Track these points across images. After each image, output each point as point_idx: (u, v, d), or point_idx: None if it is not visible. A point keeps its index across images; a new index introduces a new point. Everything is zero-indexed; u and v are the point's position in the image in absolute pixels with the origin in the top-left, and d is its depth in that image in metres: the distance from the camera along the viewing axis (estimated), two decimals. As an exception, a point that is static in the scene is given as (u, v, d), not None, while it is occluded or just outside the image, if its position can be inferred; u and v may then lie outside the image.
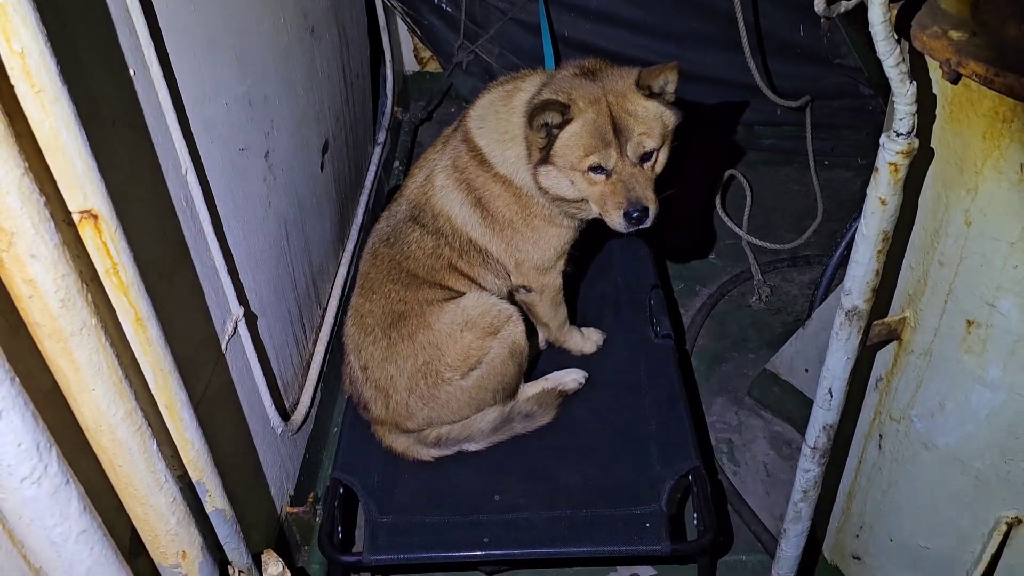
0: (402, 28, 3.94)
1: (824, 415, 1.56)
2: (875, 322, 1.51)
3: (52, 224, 0.96)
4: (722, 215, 3.35)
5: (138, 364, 1.21)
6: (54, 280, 0.97)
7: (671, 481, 2.05)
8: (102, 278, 1.11)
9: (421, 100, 4.10)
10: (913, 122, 1.22)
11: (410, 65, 4.16)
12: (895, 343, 1.58)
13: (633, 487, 2.05)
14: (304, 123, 2.42)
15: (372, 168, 3.34)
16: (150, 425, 1.17)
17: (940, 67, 1.26)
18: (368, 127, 3.37)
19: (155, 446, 1.17)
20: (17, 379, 0.89)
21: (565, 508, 2.02)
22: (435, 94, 4.03)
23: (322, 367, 2.50)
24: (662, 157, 1.90)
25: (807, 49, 3.51)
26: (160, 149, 1.53)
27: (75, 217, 1.06)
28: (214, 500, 1.41)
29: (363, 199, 3.17)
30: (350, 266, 2.86)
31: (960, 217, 1.34)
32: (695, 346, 2.86)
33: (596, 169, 1.85)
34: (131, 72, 1.43)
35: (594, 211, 1.95)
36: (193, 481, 1.36)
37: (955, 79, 1.27)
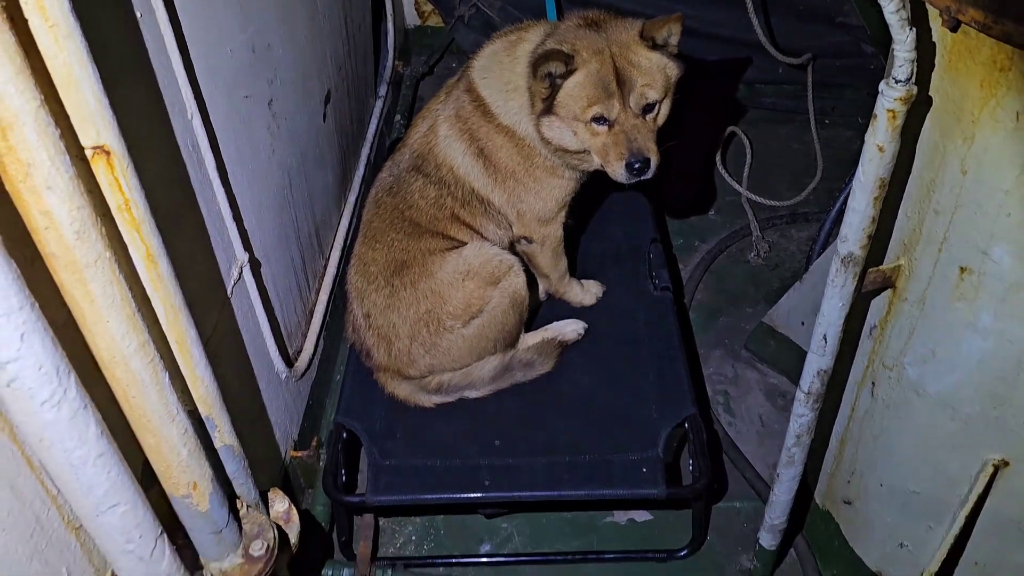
0: (404, -20, 3.92)
1: (818, 360, 1.60)
2: (870, 269, 1.54)
3: (67, 157, 0.98)
4: (722, 172, 3.36)
5: (149, 301, 1.24)
6: (69, 212, 0.99)
7: (668, 429, 2.10)
8: (114, 214, 1.14)
9: (422, 54, 4.08)
10: (912, 69, 1.23)
11: (411, 19, 4.14)
12: (889, 291, 1.61)
13: (630, 434, 2.10)
14: (307, 73, 2.43)
15: (374, 121, 3.35)
16: (162, 359, 1.20)
17: (940, 14, 1.27)
18: (370, 80, 3.37)
19: (167, 378, 1.20)
20: (36, 305, 0.92)
21: (564, 453, 2.07)
22: (436, 48, 4.01)
23: (325, 316, 2.54)
24: (664, 109, 1.91)
25: (810, 7, 3.49)
26: (166, 93, 1.55)
27: (88, 153, 1.08)
28: (223, 436, 1.45)
29: (365, 152, 3.18)
30: (352, 217, 2.88)
31: (956, 165, 1.36)
32: (693, 300, 2.90)
33: (599, 120, 1.87)
34: (138, 15, 1.44)
35: (596, 162, 1.97)
36: (203, 417, 1.40)
37: (954, 26, 1.28)
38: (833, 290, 1.50)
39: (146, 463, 1.31)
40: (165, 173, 1.55)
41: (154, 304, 1.25)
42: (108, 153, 1.10)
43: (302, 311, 2.41)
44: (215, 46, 1.80)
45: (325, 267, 2.66)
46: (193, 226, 1.67)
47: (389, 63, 3.65)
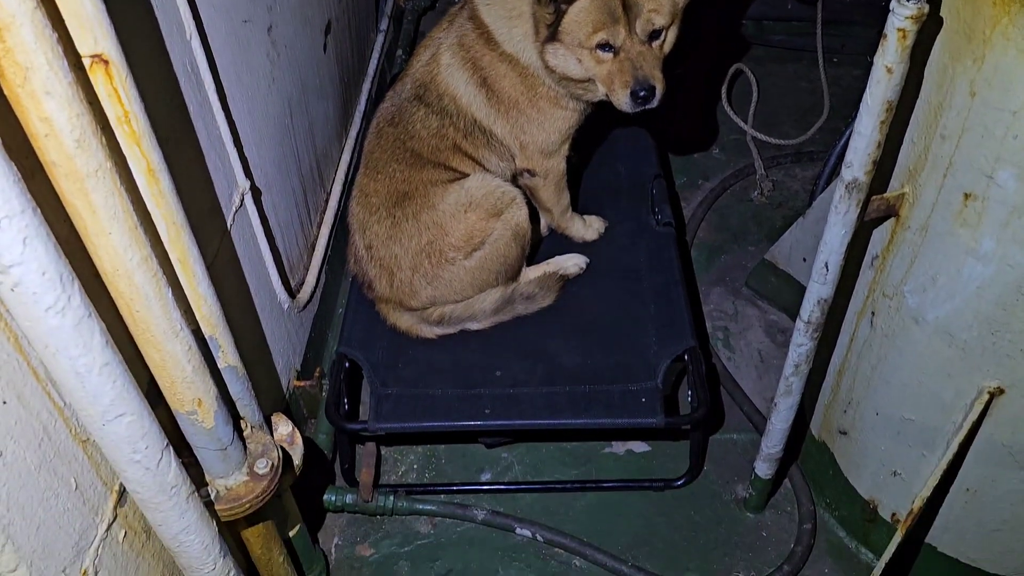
0: (405, -89, 3.82)
1: (819, 289, 1.60)
2: (874, 197, 1.53)
3: (65, 62, 0.97)
4: (727, 109, 3.32)
5: (151, 218, 1.24)
6: (69, 119, 0.98)
7: (667, 360, 2.11)
8: (114, 127, 1.13)
9: (424, -11, 4.01)
10: (924, -15, 1.21)
11: (413, -48, 4.04)
12: (892, 220, 1.61)
13: (630, 365, 2.12)
14: (307, 1, 2.38)
15: (375, 56, 3.30)
16: (165, 275, 1.20)
17: (956, -70, 1.24)
18: (371, 13, 3.31)
19: (170, 293, 1.21)
20: (39, 210, 0.92)
21: (564, 383, 2.09)
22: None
23: (327, 250, 2.54)
24: (671, 36, 1.88)
25: (822, -61, 3.41)
26: (164, 11, 1.52)
27: (86, 62, 1.07)
28: (227, 357, 1.46)
29: (366, 86, 3.14)
30: (353, 152, 2.86)
31: (965, 88, 1.35)
32: (695, 238, 2.89)
33: (604, 47, 1.84)
34: (133, -74, 1.41)
35: (601, 91, 1.94)
36: (206, 336, 1.41)
37: (970, -57, 1.25)
38: (836, 217, 1.49)
39: (152, 382, 1.32)
40: (163, 92, 1.53)
41: (156, 221, 1.25)
42: (107, 62, 1.09)
43: (304, 244, 2.41)
44: (213, -33, 1.77)
45: (327, 200, 2.65)
46: (193, 150, 1.66)
47: (390, -3, 3.59)
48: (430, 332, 2.23)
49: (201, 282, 1.35)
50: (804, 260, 2.46)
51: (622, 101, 1.87)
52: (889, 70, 1.30)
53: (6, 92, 0.95)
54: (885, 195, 1.55)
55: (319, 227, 2.57)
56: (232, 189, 1.85)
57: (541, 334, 2.24)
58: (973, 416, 1.58)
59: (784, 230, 2.86)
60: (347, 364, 2.16)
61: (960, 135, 1.38)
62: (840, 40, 3.60)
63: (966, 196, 1.41)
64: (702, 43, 3.47)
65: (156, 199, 1.23)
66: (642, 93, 1.84)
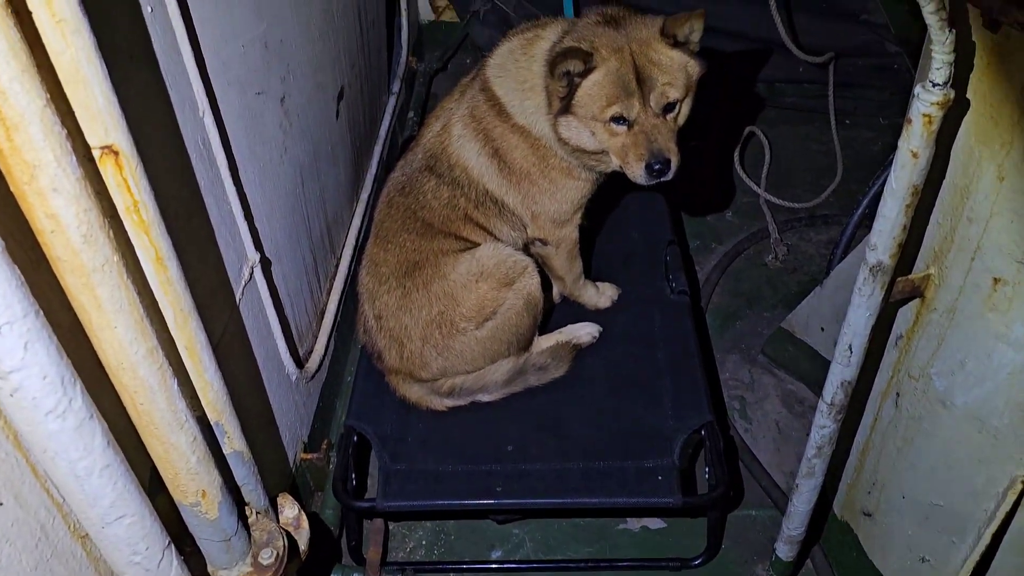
0: (418, -25, 3.88)
1: (843, 371, 1.55)
2: (899, 279, 1.49)
3: (74, 158, 0.95)
4: (740, 172, 3.31)
5: (157, 305, 1.21)
6: (76, 214, 0.96)
7: (683, 436, 2.06)
8: (122, 216, 1.10)
9: (436, 50, 4.04)
10: (950, 72, 1.19)
11: (425, 14, 4.10)
12: (917, 301, 1.57)
13: (645, 441, 2.06)
14: (320, 69, 2.39)
15: (387, 118, 3.31)
16: (171, 365, 1.17)
17: (980, 14, 1.22)
18: (383, 76, 3.33)
19: (175, 385, 1.17)
20: (41, 312, 0.89)
21: (577, 460, 2.03)
22: (450, 44, 3.97)
23: (336, 317, 2.50)
24: (685, 108, 1.87)
25: (833, 4, 3.43)
26: (177, 90, 1.51)
27: (96, 153, 1.05)
28: (232, 442, 1.42)
29: (377, 149, 3.14)
30: (364, 216, 2.85)
31: (992, 172, 1.32)
32: (709, 303, 2.85)
33: (618, 120, 1.82)
34: (148, 9, 1.41)
35: (615, 163, 1.92)
36: (212, 423, 1.37)
37: (995, 27, 1.23)
38: (860, 299, 1.45)
39: (154, 469, 1.28)
40: (175, 170, 1.51)
41: (163, 308, 1.21)
42: (116, 153, 1.06)
43: (313, 311, 2.38)
44: (227, 41, 1.77)
45: (337, 266, 2.63)
46: (203, 225, 1.64)
47: (403, 59, 3.61)
48: (440, 404, 2.18)
49: (208, 368, 1.32)
50: (822, 330, 2.41)
51: (637, 174, 1.85)
52: (914, 155, 1.27)
53: (12, 189, 0.93)
54: (910, 276, 1.51)
55: (328, 294, 2.54)
56: (242, 263, 1.82)
57: (554, 406, 2.19)
58: (1007, 506, 1.51)
59: (799, 295, 2.83)
60: (355, 438, 2.11)
61: (988, 219, 1.35)
62: (852, 102, 3.60)
63: (995, 281, 1.37)
64: (715, 106, 3.47)
65: (164, 287, 1.20)
66: (657, 166, 1.82)
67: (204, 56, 1.63)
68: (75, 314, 1.06)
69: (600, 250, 2.62)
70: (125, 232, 1.13)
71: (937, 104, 1.21)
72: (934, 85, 1.20)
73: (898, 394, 1.68)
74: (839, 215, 3.15)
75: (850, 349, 1.51)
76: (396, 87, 3.49)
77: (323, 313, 2.48)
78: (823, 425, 1.65)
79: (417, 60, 3.84)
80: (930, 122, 1.23)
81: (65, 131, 0.94)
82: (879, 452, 1.80)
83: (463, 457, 2.06)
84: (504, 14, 3.56)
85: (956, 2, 1.27)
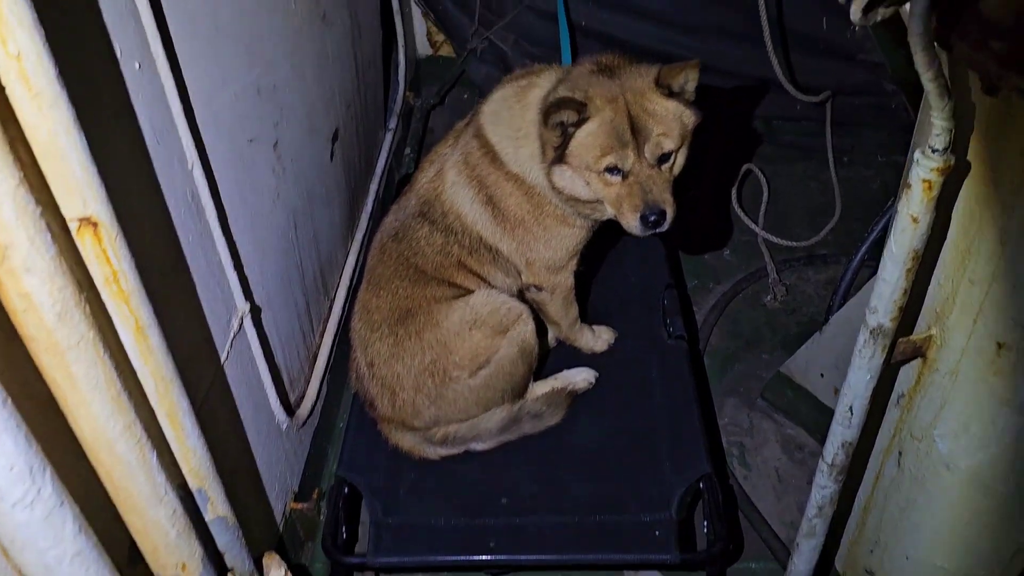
0: (415, 11, 3.87)
1: (844, 432, 1.52)
2: (900, 340, 1.46)
3: (48, 235, 0.92)
4: (737, 210, 3.29)
5: (137, 372, 1.17)
6: (50, 293, 0.93)
7: (682, 488, 2.01)
8: (100, 286, 1.07)
9: (433, 85, 4.02)
10: (950, 139, 1.16)
11: (423, 49, 4.09)
12: (919, 361, 1.53)
13: (643, 493, 2.02)
14: (314, 112, 2.37)
15: (383, 155, 3.29)
16: (150, 437, 1.13)
17: (980, 78, 1.20)
18: (379, 113, 3.32)
19: (155, 458, 1.14)
20: (10, 400, 0.85)
21: (573, 513, 1.99)
22: (448, 79, 3.95)
23: (329, 360, 2.47)
24: (680, 159, 1.85)
25: (830, 43, 3.42)
26: (165, 144, 1.49)
27: (73, 225, 1.02)
28: (216, 508, 1.38)
29: (373, 187, 3.12)
30: (359, 256, 2.82)
31: (994, 235, 1.29)
32: (707, 345, 2.82)
33: (612, 170, 1.80)
34: (136, 65, 1.39)
35: (609, 212, 1.90)
36: (193, 489, 1.33)
37: (994, 91, 1.21)
38: (861, 361, 1.42)
39: (132, 543, 1.24)
40: (161, 225, 1.48)
41: (143, 376, 1.18)
42: (95, 224, 1.04)
43: (305, 356, 2.35)
44: (219, 90, 1.75)
45: (330, 309, 2.59)
46: (191, 278, 1.60)
47: (400, 95, 3.60)
48: (433, 453, 2.14)
49: (190, 435, 1.28)
50: (822, 376, 2.37)
51: (632, 225, 1.82)
52: (915, 219, 1.24)
53: (-17, 268, 0.90)
54: (912, 337, 1.48)
55: (321, 336, 2.51)
56: (231, 314, 1.79)
57: (549, 456, 2.14)
58: (1013, 573, 1.47)
59: (798, 337, 2.80)
60: (346, 489, 2.06)
61: (990, 283, 1.32)
62: (850, 140, 3.58)
63: (999, 345, 1.34)
64: (711, 143, 3.46)
65: (144, 356, 1.16)
66: (652, 217, 1.79)
67: (194, 108, 1.61)
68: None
69: (596, 293, 2.59)
70: (104, 306, 1.11)
71: (937, 170, 1.18)
72: (933, 151, 1.18)
73: (900, 453, 1.65)
74: (838, 254, 3.12)
75: (851, 411, 1.48)
76: (393, 123, 3.47)
77: (316, 356, 2.44)
78: (824, 485, 1.61)
79: (414, 95, 3.83)
80: (930, 188, 1.20)
81: (39, 208, 0.91)
82: (881, 510, 1.76)
83: (456, 510, 2.01)
84: (501, 52, 3.55)
85: (955, 67, 1.25)
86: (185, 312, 1.58)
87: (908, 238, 1.26)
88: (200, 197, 1.64)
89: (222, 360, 1.74)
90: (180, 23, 1.55)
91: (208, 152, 1.68)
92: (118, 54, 1.33)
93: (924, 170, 1.20)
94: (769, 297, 2.98)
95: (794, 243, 3.11)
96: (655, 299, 2.55)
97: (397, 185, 3.20)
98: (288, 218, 2.18)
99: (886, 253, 1.31)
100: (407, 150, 3.56)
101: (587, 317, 2.44)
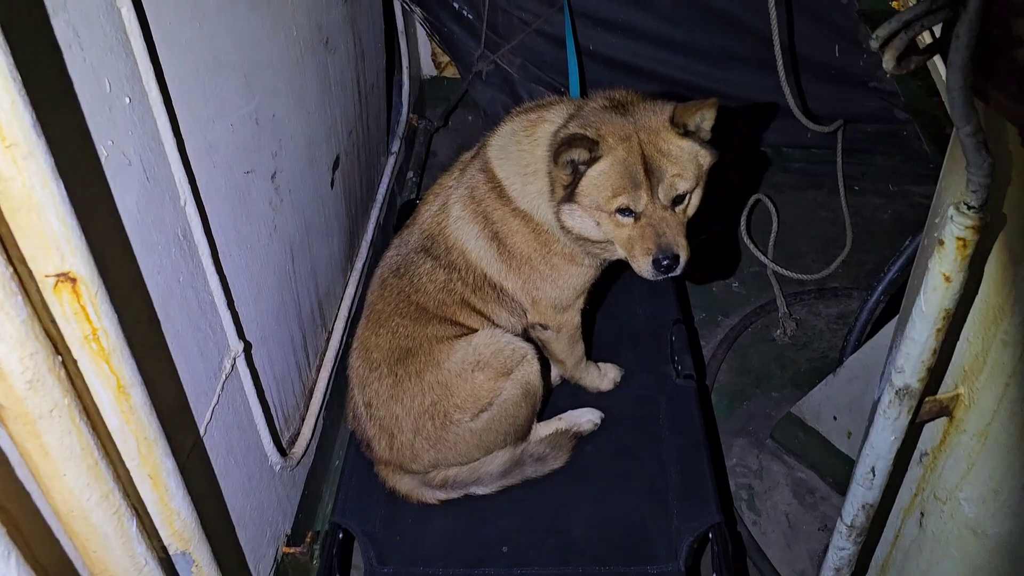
0: (420, 31, 3.82)
1: (864, 493, 1.44)
2: (927, 399, 1.38)
3: (20, 298, 0.85)
4: (746, 241, 3.22)
5: (117, 433, 1.10)
6: (20, 360, 0.86)
7: (690, 538, 1.94)
8: (78, 345, 1.00)
9: (438, 106, 3.97)
10: (987, 196, 1.09)
11: (428, 69, 4.04)
12: (945, 419, 1.45)
13: (650, 543, 1.94)
14: (315, 140, 2.30)
15: (384, 180, 3.22)
16: (129, 503, 1.06)
17: (1019, 132, 1.13)
18: (382, 138, 3.25)
19: (134, 527, 1.06)
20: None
21: (577, 564, 1.91)
22: (453, 100, 3.90)
23: (325, 395, 2.39)
24: (695, 199, 1.78)
25: (842, 71, 3.37)
26: (156, 182, 1.42)
27: (49, 281, 0.95)
28: (201, 570, 1.30)
29: (374, 213, 3.05)
30: (358, 286, 2.75)
31: (1030, 295, 1.22)
32: (716, 381, 2.74)
33: (624, 211, 1.72)
34: (126, 100, 1.32)
35: (620, 253, 1.82)
36: (173, 554, 1.25)
37: (1033, 145, 1.14)
38: (885, 422, 1.35)
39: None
40: (151, 268, 1.41)
41: (123, 437, 1.11)
42: (74, 280, 0.96)
43: (301, 391, 2.27)
44: (214, 121, 1.68)
45: (328, 341, 2.52)
46: (182, 321, 1.53)
47: (403, 118, 3.54)
48: (432, 497, 2.06)
49: (174, 496, 1.20)
50: (835, 419, 2.29)
51: (643, 269, 1.75)
52: (947, 278, 1.17)
53: (-53, 335, 0.83)
54: (938, 397, 1.40)
55: (318, 371, 2.43)
56: (223, 355, 1.72)
57: (552, 501, 2.07)
58: (1045, 648, 1.39)
59: (809, 374, 2.73)
60: (340, 535, 1.99)
61: (1025, 343, 1.24)
62: (861, 168, 3.53)
63: (1033, 409, 1.26)
64: (721, 172, 3.40)
65: (125, 416, 1.09)
66: (665, 262, 1.72)
67: (189, 141, 1.54)
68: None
69: (603, 328, 2.52)
70: (79, 357, 1.03)
71: (973, 228, 1.11)
72: (969, 208, 1.11)
73: (923, 513, 1.56)
74: (849, 288, 3.05)
75: (873, 472, 1.40)
76: (395, 147, 3.41)
77: (312, 392, 2.37)
78: (842, 547, 1.54)
79: (418, 117, 3.77)
80: (965, 246, 1.13)
81: (10, 269, 0.84)
82: (900, 569, 1.68)
83: (454, 558, 1.93)
84: (507, 75, 3.49)
85: (989, 118, 1.18)
86: (176, 355, 1.50)
87: (939, 297, 1.19)
88: (193, 234, 1.57)
89: (212, 405, 1.66)
90: (175, 54, 1.49)
91: (202, 187, 1.61)
92: (107, 90, 1.27)
93: (959, 227, 1.12)
94: (779, 332, 2.90)
95: (804, 276, 3.04)
96: (663, 336, 2.48)
97: (399, 211, 3.13)
98: (285, 250, 2.11)
99: (915, 311, 1.23)
100: (410, 174, 3.50)
101: (592, 352, 2.37)
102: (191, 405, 1.57)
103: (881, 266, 2.14)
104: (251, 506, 1.87)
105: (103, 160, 1.25)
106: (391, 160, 3.35)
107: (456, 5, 3.39)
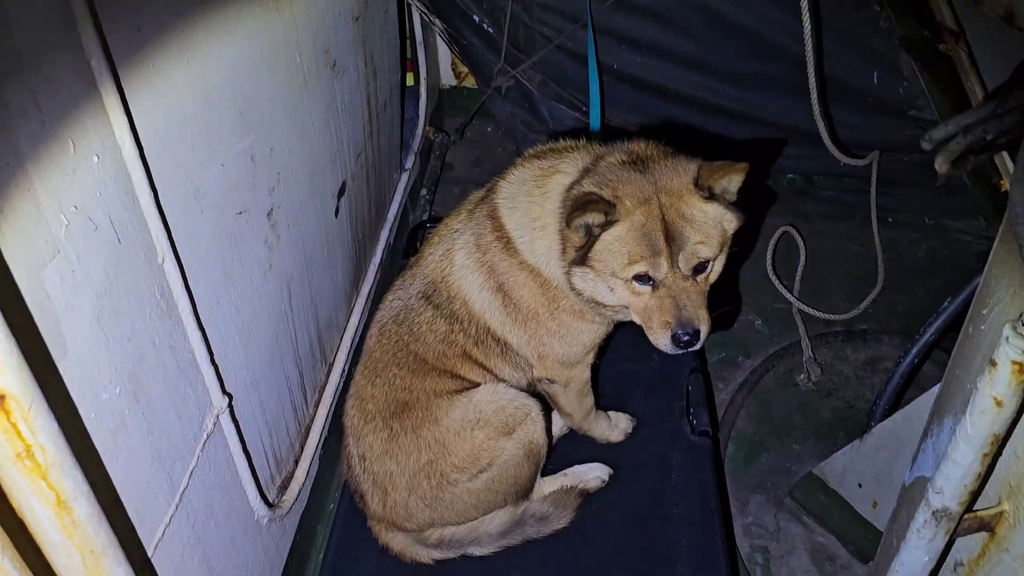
0: (439, 41, 3.68)
1: (892, 612, 1.31)
2: (966, 516, 1.25)
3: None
4: (771, 276, 3.06)
5: (55, 549, 0.99)
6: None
7: (699, 617, 1.81)
8: (9, 463, 0.89)
9: (456, 116, 3.84)
10: (1052, 319, 0.95)
11: (447, 79, 3.91)
12: (984, 533, 1.31)
13: (655, 620, 1.82)
14: (318, 170, 2.19)
15: (396, 199, 3.10)
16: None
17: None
18: (394, 156, 3.13)
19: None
20: None
21: (577, 640, 1.79)
22: (471, 110, 3.76)
23: (323, 432, 2.29)
24: (718, 266, 1.63)
25: (879, 98, 3.20)
26: (130, 241, 1.31)
27: (-26, 401, 0.84)
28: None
29: (383, 235, 2.94)
30: (363, 313, 2.64)
31: (1091, 419, 1.07)
32: (733, 429, 2.60)
33: (642, 279, 1.59)
34: (94, 159, 1.21)
35: (635, 319, 1.69)
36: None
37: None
38: (919, 541, 1.21)
39: None
40: (121, 336, 1.30)
41: (64, 552, 1.00)
42: (3, 397, 0.86)
43: (296, 431, 2.17)
44: (203, 164, 1.57)
45: (328, 374, 2.41)
46: (158, 386, 1.43)
47: (419, 131, 3.41)
48: (426, 556, 1.95)
49: (128, 606, 1.10)
50: (860, 486, 2.15)
51: (661, 342, 1.61)
52: (998, 402, 1.03)
53: None
54: (979, 514, 1.26)
55: (316, 406, 2.33)
56: (204, 414, 1.61)
57: (554, 564, 1.95)
58: None
59: (832, 425, 2.59)
60: (328, 596, 1.88)
61: (1083, 472, 1.10)
62: (895, 200, 3.34)
63: (1089, 544, 1.12)
64: (746, 202, 3.25)
65: (68, 531, 0.99)
66: (685, 337, 1.58)
67: (170, 192, 1.43)
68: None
69: (615, 373, 2.38)
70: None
71: (1033, 353, 0.97)
72: (1030, 331, 0.97)
73: (954, 626, 1.43)
74: (878, 332, 2.89)
75: (902, 590, 1.27)
76: (409, 162, 3.28)
77: (308, 430, 2.26)
78: (863, 661, 1.40)
79: (435, 130, 3.64)
80: (1021, 371, 0.99)
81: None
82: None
83: (447, 629, 1.82)
84: (527, 92, 3.35)
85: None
86: (149, 425, 1.39)
87: (988, 421, 1.05)
88: (172, 291, 1.46)
89: (191, 468, 1.56)
90: (157, 101, 1.37)
91: (186, 238, 1.50)
92: (71, 151, 1.15)
93: (1015, 351, 0.99)
94: (802, 376, 2.75)
95: (832, 316, 2.89)
96: (678, 385, 2.34)
97: (409, 233, 3.00)
98: (282, 289, 2.00)
99: (960, 433, 1.10)
100: (423, 191, 3.38)
101: (603, 399, 2.24)
102: (168, 474, 1.47)
103: (914, 308, 1.99)
104: (234, 566, 1.78)
105: (63, 230, 1.14)
106: (404, 177, 3.22)
107: (477, 18, 3.25)
